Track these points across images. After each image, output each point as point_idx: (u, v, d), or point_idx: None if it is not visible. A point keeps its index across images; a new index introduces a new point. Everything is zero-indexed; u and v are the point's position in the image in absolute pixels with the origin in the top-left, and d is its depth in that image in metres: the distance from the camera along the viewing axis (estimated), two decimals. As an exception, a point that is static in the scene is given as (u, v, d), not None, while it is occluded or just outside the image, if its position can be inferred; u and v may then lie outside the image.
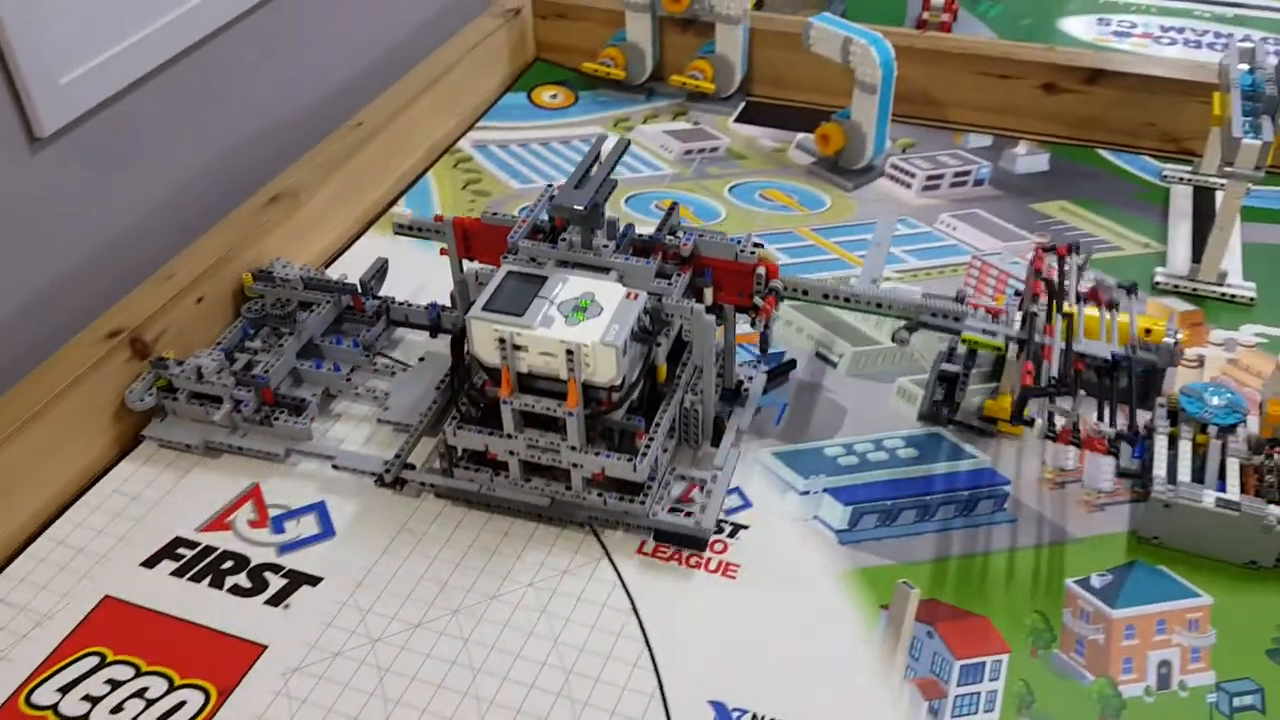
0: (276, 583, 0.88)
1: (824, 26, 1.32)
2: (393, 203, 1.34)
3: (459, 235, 1.00)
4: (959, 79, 1.42)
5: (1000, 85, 1.40)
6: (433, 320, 1.08)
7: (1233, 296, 1.14)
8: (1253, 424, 0.92)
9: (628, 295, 0.86)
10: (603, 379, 0.84)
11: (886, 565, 0.89)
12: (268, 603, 0.87)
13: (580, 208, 0.89)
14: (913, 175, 1.36)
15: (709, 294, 0.94)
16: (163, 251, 1.12)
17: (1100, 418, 0.91)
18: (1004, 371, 1.00)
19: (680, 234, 0.94)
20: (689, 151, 1.42)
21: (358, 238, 1.28)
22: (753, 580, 0.88)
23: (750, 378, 1.04)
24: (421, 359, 1.07)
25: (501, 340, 0.84)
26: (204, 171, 1.25)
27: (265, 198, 1.18)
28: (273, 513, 0.94)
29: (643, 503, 0.90)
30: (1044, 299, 0.94)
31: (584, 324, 0.84)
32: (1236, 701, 0.79)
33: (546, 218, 0.94)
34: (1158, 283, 1.16)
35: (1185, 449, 0.91)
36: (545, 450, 0.89)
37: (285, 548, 0.91)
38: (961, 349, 1.04)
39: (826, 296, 0.98)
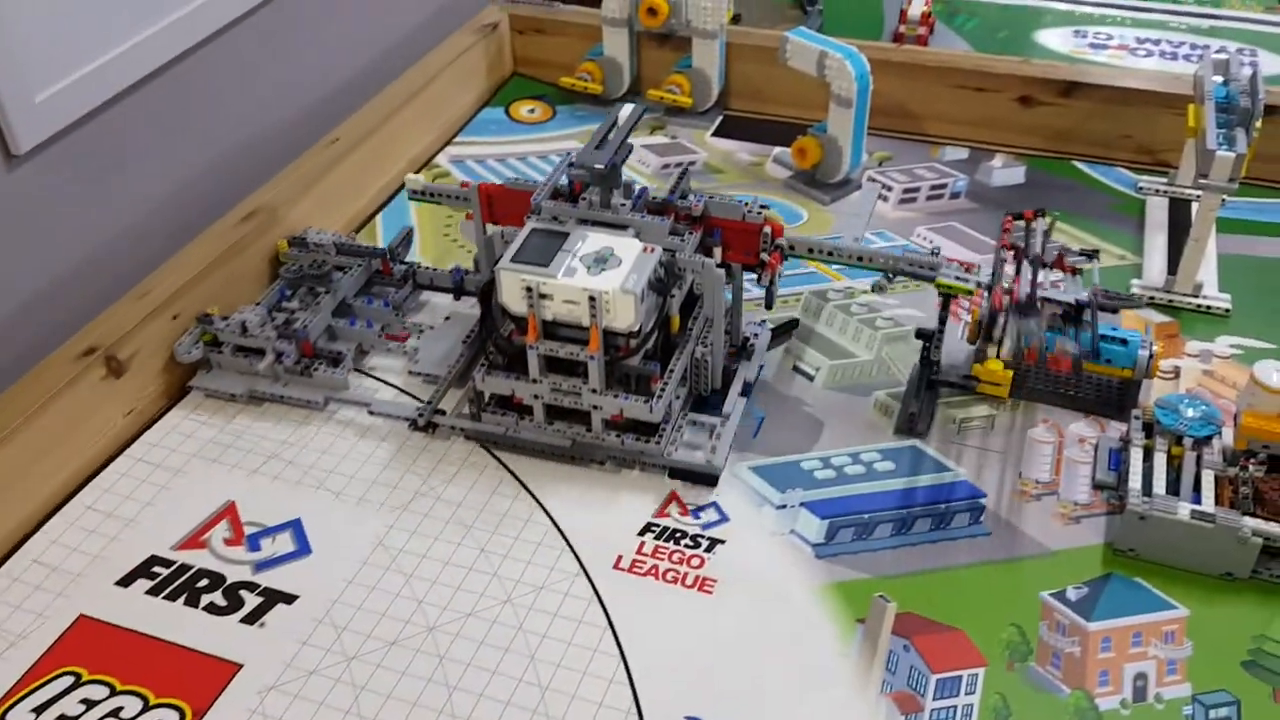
0: (252, 601, 0.88)
1: (800, 41, 1.32)
2: (369, 218, 1.33)
3: (484, 200, 1.06)
4: (935, 92, 1.42)
5: (976, 98, 1.41)
6: (456, 283, 1.14)
7: (1208, 308, 1.15)
8: (1227, 435, 0.92)
9: (644, 249, 0.93)
10: (622, 325, 0.91)
11: (863, 579, 0.89)
12: (243, 621, 0.86)
13: (600, 166, 0.95)
14: (890, 188, 1.37)
15: (718, 252, 1.00)
16: (138, 268, 1.12)
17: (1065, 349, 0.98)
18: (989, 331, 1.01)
19: (691, 196, 0.99)
20: (666, 165, 1.42)
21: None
22: (729, 595, 0.88)
23: (756, 334, 1.09)
24: (447, 318, 1.14)
25: (528, 289, 0.91)
26: (180, 188, 1.25)
27: (241, 214, 1.17)
28: (248, 530, 0.94)
29: (658, 443, 0.96)
30: (1012, 256, 1.01)
31: (604, 274, 0.90)
32: (1213, 714, 0.79)
33: (566, 181, 1.01)
34: (1134, 294, 1.16)
35: (1160, 461, 0.91)
36: (568, 394, 0.95)
37: (261, 565, 0.91)
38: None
39: (812, 251, 1.03)
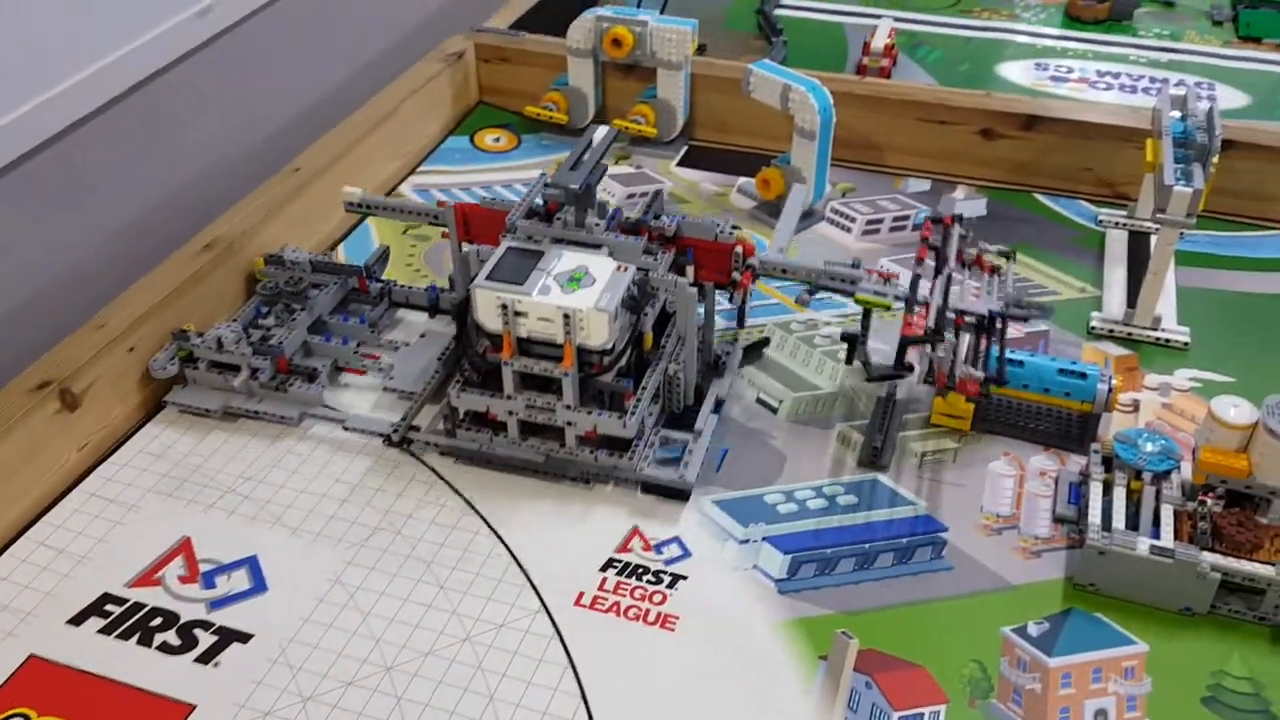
0: (206, 640, 0.86)
1: (763, 74, 1.33)
2: (332, 248, 1.32)
3: (459, 220, 1.08)
4: (898, 125, 1.43)
5: (939, 131, 1.42)
6: (432, 301, 1.16)
7: (1167, 341, 1.16)
8: (1186, 469, 0.93)
9: (618, 268, 0.95)
10: (596, 342, 0.93)
11: (825, 615, 0.89)
12: (197, 661, 0.85)
13: (575, 187, 0.97)
14: (853, 219, 1.37)
15: (691, 271, 1.02)
16: (95, 299, 1.10)
17: (974, 365, 0.97)
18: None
19: (664, 217, 1.02)
20: (632, 195, 1.42)
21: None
22: (691, 632, 0.87)
23: (728, 352, 1.12)
24: (423, 335, 1.15)
25: (504, 307, 0.92)
26: (138, 218, 1.24)
27: (199, 245, 1.16)
28: (203, 567, 0.92)
29: (630, 458, 0.97)
30: (930, 263, 1.03)
31: (579, 292, 0.92)
32: (1171, 749, 0.80)
33: (541, 202, 1.02)
34: (1094, 327, 1.17)
35: (1120, 495, 0.92)
36: (542, 410, 0.97)
37: (216, 604, 0.89)
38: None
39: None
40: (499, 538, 0.94)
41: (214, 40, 1.36)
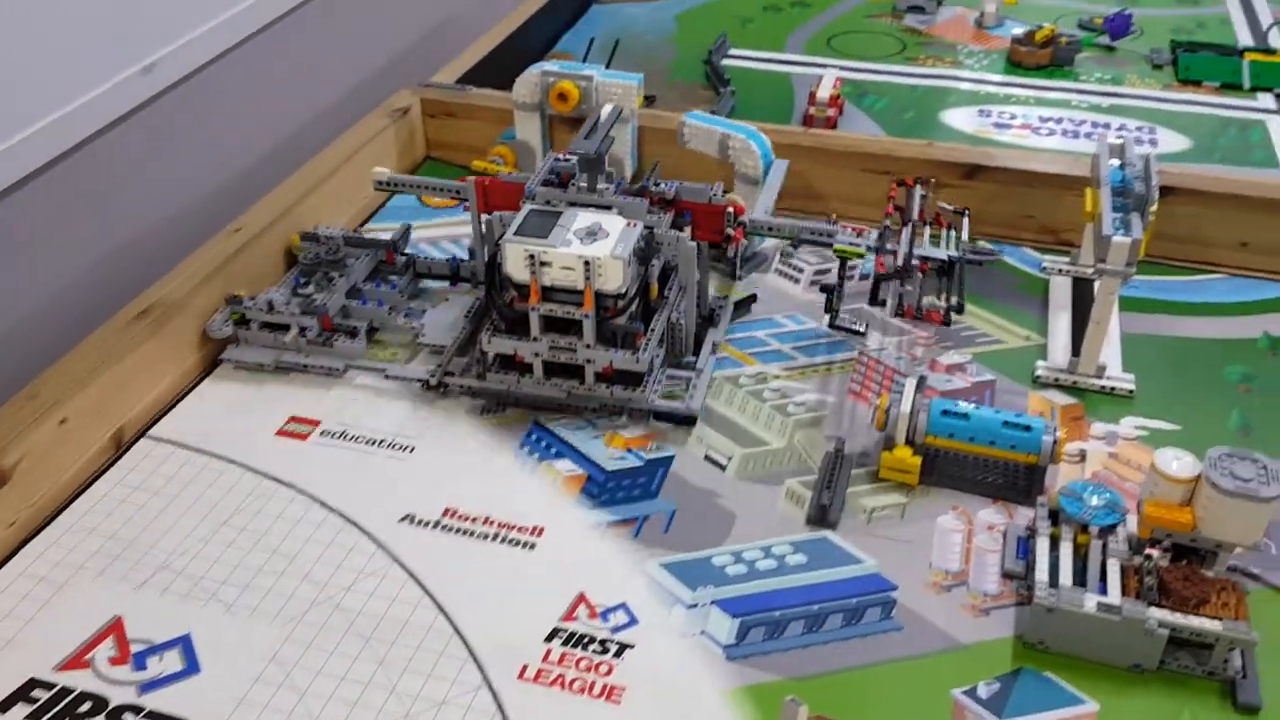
0: (136, 725, 0.84)
1: (697, 124, 1.34)
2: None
3: (480, 192, 1.21)
4: (844, 175, 1.44)
5: (883, 181, 1.42)
6: (453, 269, 1.30)
7: (1112, 389, 1.16)
8: (1134, 522, 0.92)
9: (628, 224, 1.09)
10: (611, 286, 1.06)
11: (774, 681, 0.87)
12: (127, 748, 0.82)
13: (590, 153, 1.11)
14: (801, 270, 1.37)
15: (689, 231, 1.16)
16: (26, 370, 1.08)
17: (938, 297, 1.15)
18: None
19: (663, 184, 1.17)
20: (579, 249, 1.41)
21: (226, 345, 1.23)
22: (637, 703, 0.85)
23: (720, 305, 1.26)
24: (446, 299, 1.30)
25: (531, 257, 1.05)
26: (71, 284, 1.21)
27: (135, 310, 1.14)
28: (135, 648, 0.89)
29: (643, 391, 1.11)
30: (897, 217, 1.21)
31: (595, 244, 1.06)
32: (1124, 812, 0.78)
33: (555, 176, 1.17)
34: (1039, 376, 1.17)
35: (1066, 550, 0.91)
36: (564, 350, 1.10)
37: (146, 686, 0.86)
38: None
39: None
40: (440, 608, 0.92)
41: (152, 102, 1.34)
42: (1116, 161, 1.21)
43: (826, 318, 1.24)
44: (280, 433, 1.11)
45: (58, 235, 1.18)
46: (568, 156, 1.17)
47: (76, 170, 1.22)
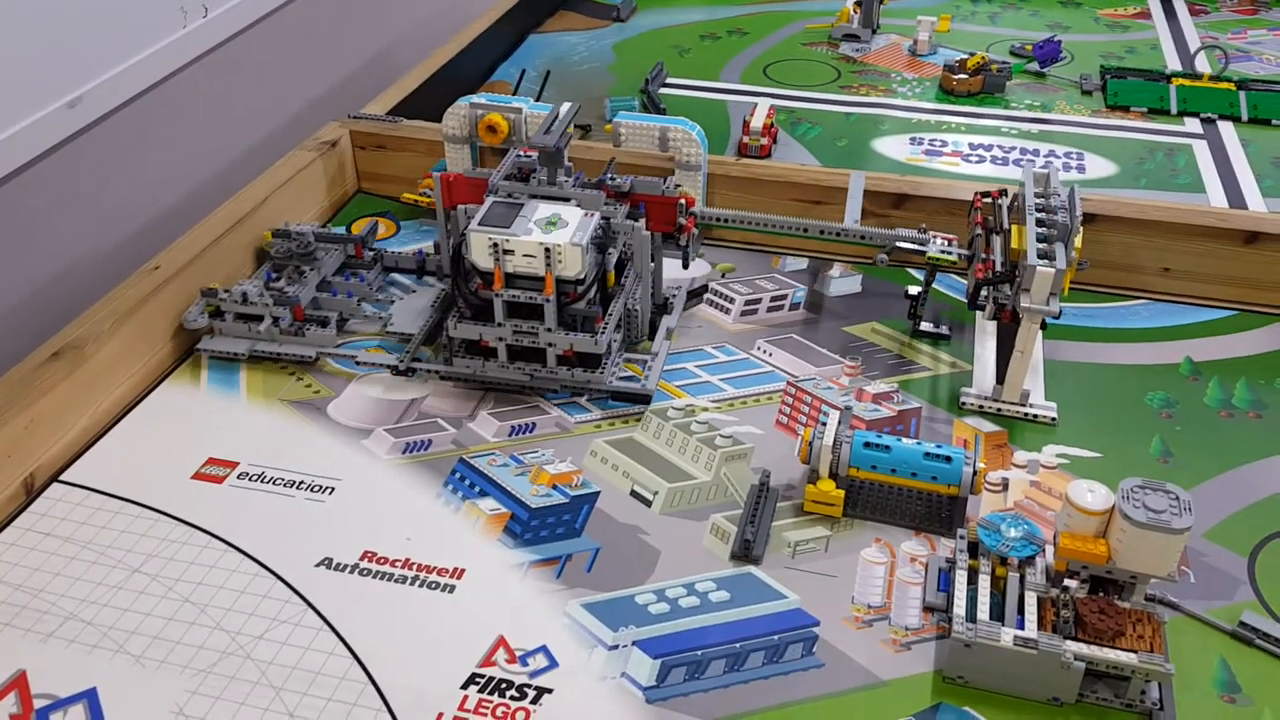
0: (37, 785, 0.81)
1: (634, 123, 1.42)
2: (188, 354, 1.27)
3: (444, 187, 1.26)
4: (776, 205, 1.44)
5: (814, 210, 1.43)
6: (419, 263, 1.39)
7: (1035, 416, 1.16)
8: (1051, 552, 0.92)
9: (586, 214, 1.15)
10: (571, 273, 1.12)
11: (693, 723, 0.86)
12: (26, 808, 0.80)
13: (551, 146, 1.17)
14: (732, 300, 1.37)
15: (643, 222, 1.22)
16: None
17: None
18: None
19: (618, 178, 1.23)
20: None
21: (152, 389, 1.21)
22: (554, 749, 0.84)
23: (674, 295, 1.34)
24: (413, 291, 1.37)
25: (494, 245, 1.11)
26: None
27: (47, 353, 1.12)
28: (38, 704, 0.87)
29: (600, 372, 1.18)
30: (983, 228, 1.22)
31: (555, 232, 1.12)
32: None
33: (516, 171, 1.23)
34: (964, 403, 1.17)
35: (985, 584, 0.91)
36: (526, 334, 1.16)
37: (49, 744, 0.84)
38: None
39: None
40: (355, 656, 0.91)
41: (69, 141, 1.32)
42: (1039, 187, 1.22)
43: (910, 324, 1.30)
44: (196, 476, 1.09)
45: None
46: (529, 153, 1.24)
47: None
